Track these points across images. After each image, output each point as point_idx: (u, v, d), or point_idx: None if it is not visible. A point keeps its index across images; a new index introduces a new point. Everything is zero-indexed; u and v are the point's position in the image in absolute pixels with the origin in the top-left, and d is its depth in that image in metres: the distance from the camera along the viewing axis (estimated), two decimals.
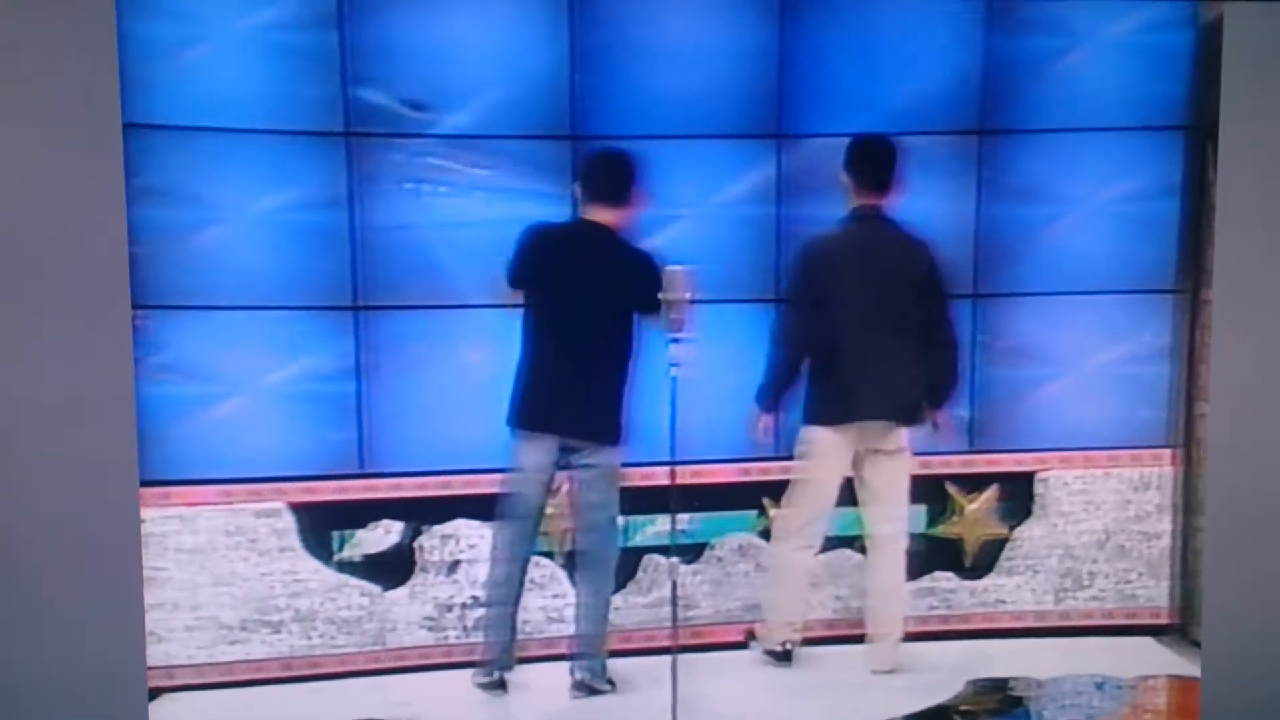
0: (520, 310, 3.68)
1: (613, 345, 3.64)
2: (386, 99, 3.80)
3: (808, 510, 3.92)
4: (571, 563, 4.02)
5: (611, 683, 3.76)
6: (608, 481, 3.72)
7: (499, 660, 3.76)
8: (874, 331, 3.79)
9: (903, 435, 3.89)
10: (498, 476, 3.87)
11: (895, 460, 3.88)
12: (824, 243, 3.86)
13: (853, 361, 3.80)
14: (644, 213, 3.74)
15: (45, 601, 2.57)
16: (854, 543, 4.12)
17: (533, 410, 3.65)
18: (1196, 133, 4.04)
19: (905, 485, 3.93)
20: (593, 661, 3.76)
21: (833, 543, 4.08)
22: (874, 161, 3.83)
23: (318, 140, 3.79)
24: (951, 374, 3.91)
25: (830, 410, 3.85)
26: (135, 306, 2.91)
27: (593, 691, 3.74)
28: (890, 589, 3.95)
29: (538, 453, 3.66)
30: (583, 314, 3.60)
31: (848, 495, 3.96)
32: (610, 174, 3.67)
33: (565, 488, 3.82)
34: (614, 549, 3.81)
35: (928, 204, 4.05)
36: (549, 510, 3.95)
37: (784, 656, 3.97)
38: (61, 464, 2.55)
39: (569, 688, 3.76)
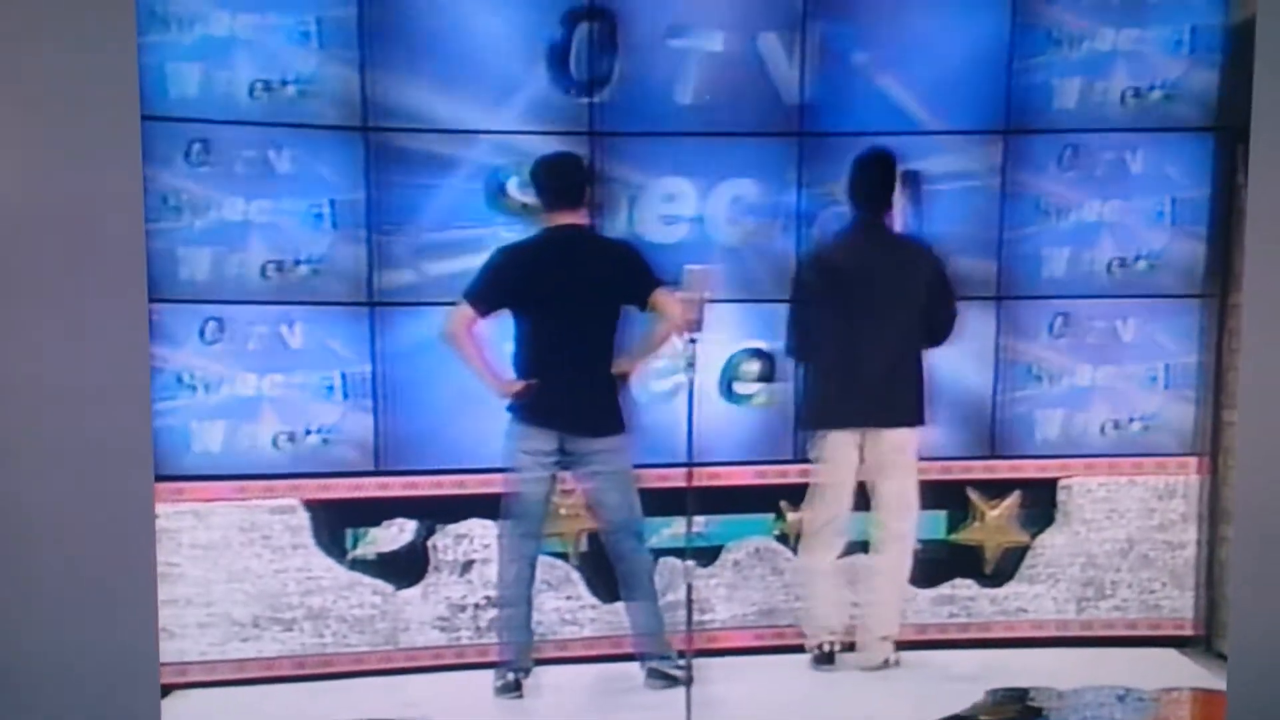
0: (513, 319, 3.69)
1: (604, 338, 3.70)
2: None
3: (824, 514, 3.92)
4: (586, 564, 4.00)
5: (685, 669, 3.52)
6: (623, 482, 3.71)
7: (515, 662, 3.73)
8: (874, 338, 3.79)
9: (907, 441, 3.86)
10: None
11: (898, 465, 3.86)
12: (822, 252, 3.92)
13: (853, 368, 3.82)
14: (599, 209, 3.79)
15: (58, 596, 2.55)
16: (869, 548, 4.08)
17: (537, 408, 3.65)
18: (1227, 134, 3.98)
19: (909, 490, 3.90)
20: (660, 654, 3.73)
21: (849, 547, 4.03)
22: (868, 180, 3.85)
23: (335, 134, 3.78)
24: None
25: (833, 415, 3.88)
26: (152, 300, 2.90)
27: (668, 679, 3.67)
28: (889, 593, 3.93)
29: (537, 447, 3.65)
30: (574, 313, 3.63)
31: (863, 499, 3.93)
32: (568, 177, 3.71)
33: (579, 490, 3.80)
34: (643, 549, 3.79)
35: (952, 205, 4.03)
36: (563, 511, 3.93)
37: (826, 659, 3.95)
38: (76, 458, 2.53)
39: (643, 682, 3.75)
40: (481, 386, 3.70)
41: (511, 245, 3.74)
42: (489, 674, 3.76)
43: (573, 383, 3.64)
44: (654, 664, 3.75)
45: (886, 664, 3.93)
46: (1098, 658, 4.06)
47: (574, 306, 3.62)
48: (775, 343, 4.04)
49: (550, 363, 3.64)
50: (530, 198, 3.83)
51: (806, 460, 3.98)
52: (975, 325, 4.07)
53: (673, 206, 3.98)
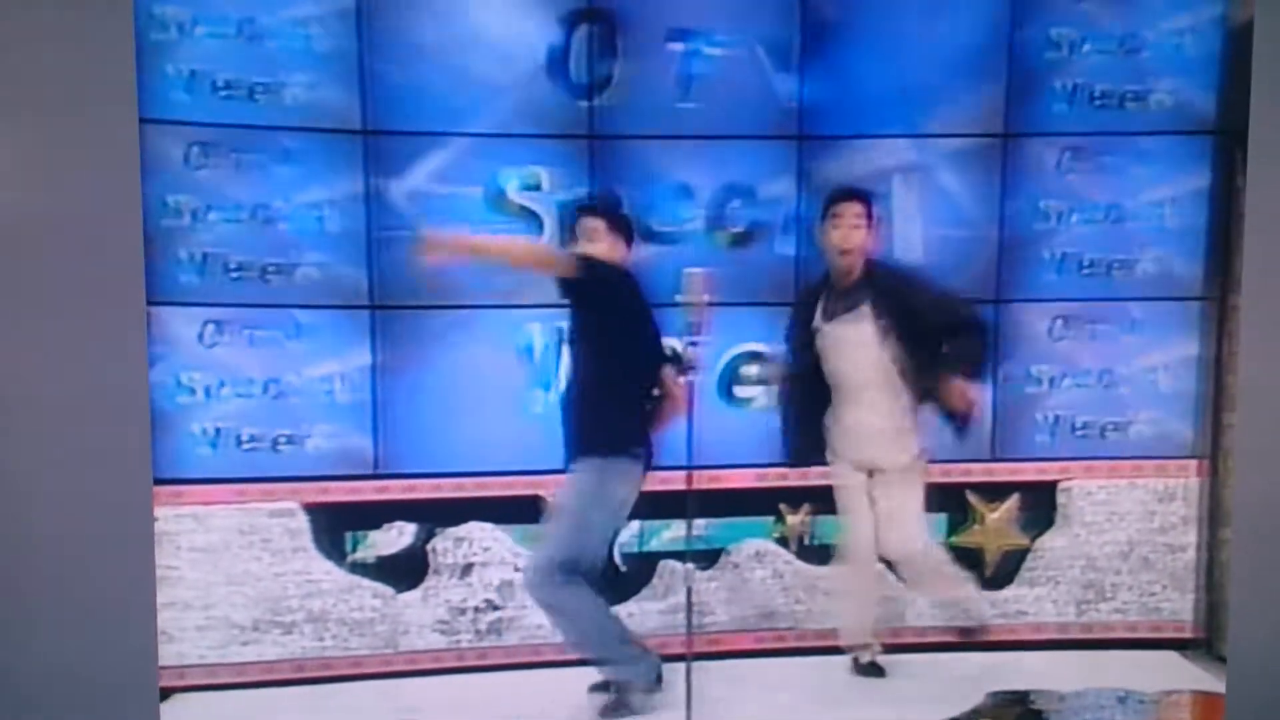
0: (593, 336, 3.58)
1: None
2: None
3: (852, 529, 3.85)
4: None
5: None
6: None
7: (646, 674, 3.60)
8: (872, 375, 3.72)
9: (910, 452, 3.77)
10: (511, 479, 3.85)
11: (903, 478, 3.77)
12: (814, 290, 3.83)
13: (843, 405, 3.77)
14: None
15: (56, 600, 2.55)
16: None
17: (650, 451, 3.59)
18: (1226, 137, 3.99)
19: (915, 503, 3.79)
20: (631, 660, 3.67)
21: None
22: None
23: (334, 137, 3.78)
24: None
25: (839, 447, 3.82)
26: (150, 303, 2.90)
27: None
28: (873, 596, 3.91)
29: (636, 489, 3.58)
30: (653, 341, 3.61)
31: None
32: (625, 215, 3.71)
33: None
34: None
35: (952, 207, 4.03)
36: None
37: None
38: (75, 462, 2.52)
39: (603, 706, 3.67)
40: (481, 386, 3.74)
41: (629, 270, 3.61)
42: (489, 677, 3.78)
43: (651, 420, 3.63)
44: (623, 672, 3.64)
45: (871, 668, 3.90)
46: (1098, 660, 4.06)
47: (655, 332, 3.60)
48: (774, 345, 4.04)
49: (638, 396, 3.60)
50: (528, 201, 3.87)
51: (805, 464, 3.98)
52: None
53: (672, 209, 3.98)
